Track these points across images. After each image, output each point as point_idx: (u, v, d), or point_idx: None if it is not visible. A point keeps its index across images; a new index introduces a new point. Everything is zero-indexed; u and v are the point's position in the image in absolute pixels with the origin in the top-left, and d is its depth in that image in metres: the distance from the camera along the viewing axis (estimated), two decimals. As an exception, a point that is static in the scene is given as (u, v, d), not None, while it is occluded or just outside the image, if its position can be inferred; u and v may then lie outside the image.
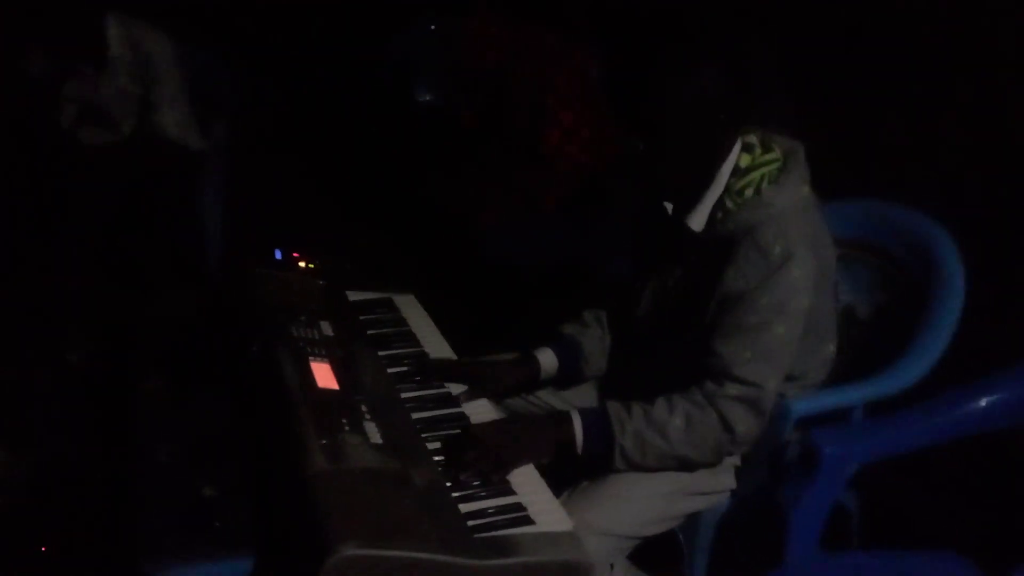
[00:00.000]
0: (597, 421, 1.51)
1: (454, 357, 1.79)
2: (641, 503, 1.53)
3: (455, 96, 3.12)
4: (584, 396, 1.84)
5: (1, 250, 2.74)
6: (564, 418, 1.53)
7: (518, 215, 2.86)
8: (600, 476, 1.54)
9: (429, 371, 1.70)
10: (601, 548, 1.46)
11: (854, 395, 1.67)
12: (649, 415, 1.49)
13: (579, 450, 1.51)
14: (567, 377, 1.80)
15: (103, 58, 2.72)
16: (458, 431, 1.52)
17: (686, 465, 1.54)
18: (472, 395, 1.66)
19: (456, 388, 1.68)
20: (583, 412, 1.53)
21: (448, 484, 1.39)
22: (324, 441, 1.36)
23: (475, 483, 1.40)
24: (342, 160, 3.81)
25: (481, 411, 1.64)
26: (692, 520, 1.64)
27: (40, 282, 2.71)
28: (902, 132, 2.33)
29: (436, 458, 1.46)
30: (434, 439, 1.51)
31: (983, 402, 1.60)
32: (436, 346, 1.83)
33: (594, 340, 1.81)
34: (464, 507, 1.35)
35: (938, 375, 1.68)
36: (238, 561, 1.36)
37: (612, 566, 1.53)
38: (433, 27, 3.62)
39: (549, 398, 1.83)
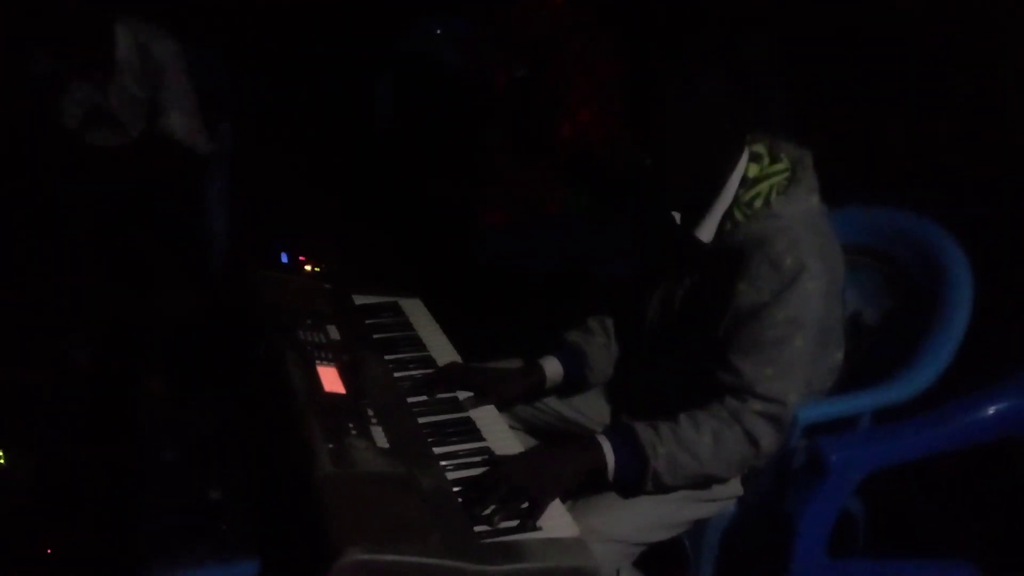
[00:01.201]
0: (627, 445, 1.47)
1: (460, 361, 1.78)
2: (648, 509, 1.52)
3: (491, 59, 3.07)
4: (591, 402, 1.84)
5: (7, 250, 2.74)
6: (593, 445, 1.47)
7: (521, 216, 2.86)
8: (606, 482, 1.53)
9: (435, 379, 1.69)
10: (607, 554, 1.46)
11: (862, 402, 1.66)
12: (678, 435, 1.46)
13: (610, 477, 1.47)
14: (572, 385, 1.80)
15: (111, 62, 2.73)
16: (484, 469, 1.44)
17: (709, 481, 1.52)
18: (478, 402, 1.65)
19: (463, 394, 1.68)
20: (611, 437, 1.48)
21: (456, 489, 1.38)
22: (331, 445, 1.36)
23: (500, 526, 1.33)
24: (348, 163, 3.81)
25: (486, 416, 1.63)
26: (698, 526, 1.63)
27: (45, 282, 2.71)
28: (907, 136, 2.33)
29: (443, 463, 1.45)
30: (444, 445, 1.50)
31: (991, 410, 1.59)
32: (442, 350, 1.82)
33: (599, 348, 1.81)
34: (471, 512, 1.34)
35: (946, 382, 1.68)
36: (243, 564, 1.35)
37: (618, 572, 1.52)
38: (439, 31, 3.63)
39: (557, 405, 1.82)
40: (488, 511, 1.33)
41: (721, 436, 1.46)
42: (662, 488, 1.49)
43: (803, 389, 1.49)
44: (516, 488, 1.36)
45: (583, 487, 1.50)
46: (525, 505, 1.35)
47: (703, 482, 1.51)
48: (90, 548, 1.83)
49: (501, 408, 1.70)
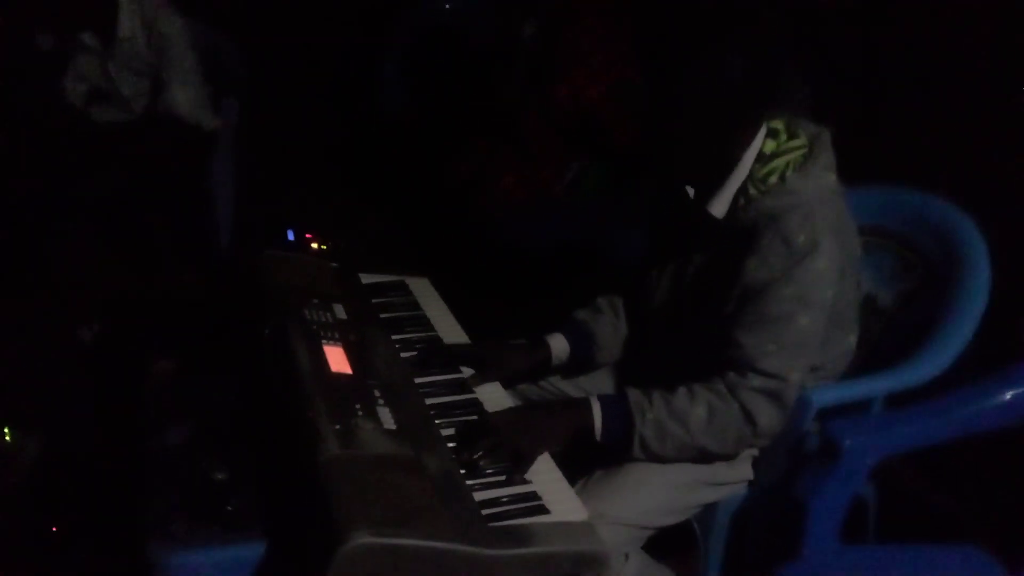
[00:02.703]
0: (616, 408, 1.49)
1: (468, 341, 1.76)
2: (657, 493, 1.51)
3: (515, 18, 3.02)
4: (598, 383, 1.82)
5: (12, 228, 2.72)
6: (583, 404, 1.51)
7: (532, 185, 2.82)
8: (616, 465, 1.52)
9: (440, 355, 1.68)
10: (616, 538, 1.44)
11: (875, 386, 1.64)
12: (670, 404, 1.47)
13: (597, 437, 1.49)
14: (579, 363, 1.78)
15: (115, 38, 2.70)
16: (473, 417, 1.50)
17: (705, 456, 1.51)
18: (482, 379, 1.64)
19: (467, 371, 1.66)
20: (602, 399, 1.51)
21: (462, 471, 1.37)
22: (337, 426, 1.35)
23: (488, 471, 1.37)
24: (356, 138, 3.78)
25: (493, 395, 1.62)
26: (708, 510, 1.62)
27: (51, 260, 2.70)
28: (926, 115, 2.29)
29: (450, 444, 1.44)
30: (448, 425, 1.49)
31: (1008, 395, 1.56)
32: (450, 330, 1.80)
33: (607, 326, 1.79)
34: (478, 495, 1.33)
35: (961, 366, 1.65)
36: (249, 546, 1.34)
37: (627, 556, 1.50)
38: (448, 5, 3.58)
39: (562, 384, 1.81)
40: (475, 457, 1.37)
41: (716, 410, 1.46)
42: (653, 456, 1.49)
43: (806, 368, 1.48)
44: (503, 438, 1.40)
45: (577, 453, 1.50)
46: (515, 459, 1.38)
47: (697, 456, 1.50)
48: (95, 527, 1.83)
49: (506, 385, 1.68)
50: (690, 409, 1.46)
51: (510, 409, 1.54)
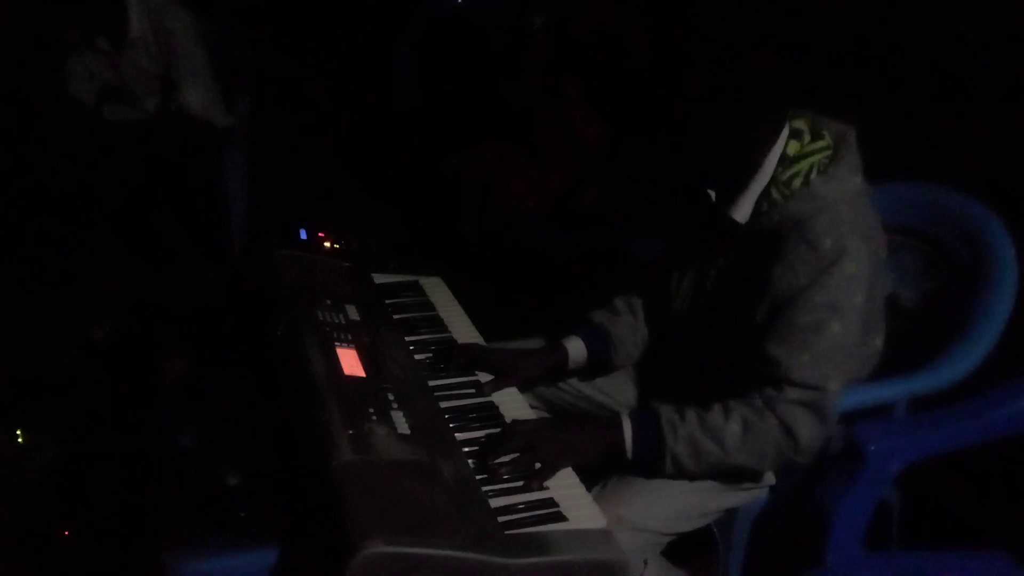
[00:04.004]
0: (648, 425, 1.43)
1: (482, 343, 1.74)
2: (677, 498, 1.47)
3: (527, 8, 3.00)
4: (616, 385, 1.79)
5: (26, 228, 2.72)
6: (614, 421, 1.45)
7: (549, 188, 2.79)
8: (626, 462, 1.48)
9: (455, 359, 1.65)
10: (635, 544, 1.41)
11: (899, 389, 1.61)
12: (704, 420, 1.41)
13: (628, 455, 1.43)
14: (596, 366, 1.75)
15: (125, 36, 2.69)
16: (492, 424, 1.46)
17: (742, 474, 1.46)
18: (499, 384, 1.61)
19: (485, 376, 1.63)
20: (633, 415, 1.45)
21: (480, 477, 1.35)
22: (350, 431, 1.32)
23: (505, 477, 1.35)
24: (369, 136, 3.76)
25: (509, 400, 1.59)
26: (728, 515, 1.59)
27: (63, 261, 2.70)
28: (950, 110, 2.24)
29: (465, 449, 1.41)
30: (463, 430, 1.46)
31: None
32: (464, 331, 1.78)
33: (625, 328, 1.75)
34: (494, 502, 1.31)
35: (987, 369, 1.61)
36: (261, 553, 1.32)
37: (645, 562, 1.48)
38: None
39: (581, 386, 1.78)
40: (497, 463, 1.34)
41: (752, 425, 1.40)
42: (685, 473, 1.43)
43: (844, 377, 1.42)
44: (530, 447, 1.37)
45: (608, 469, 1.46)
46: (537, 467, 1.35)
47: (734, 473, 1.45)
48: (107, 531, 1.82)
49: (522, 389, 1.66)
50: (725, 425, 1.40)
51: (540, 419, 1.50)
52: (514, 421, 1.48)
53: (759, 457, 1.41)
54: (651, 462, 1.43)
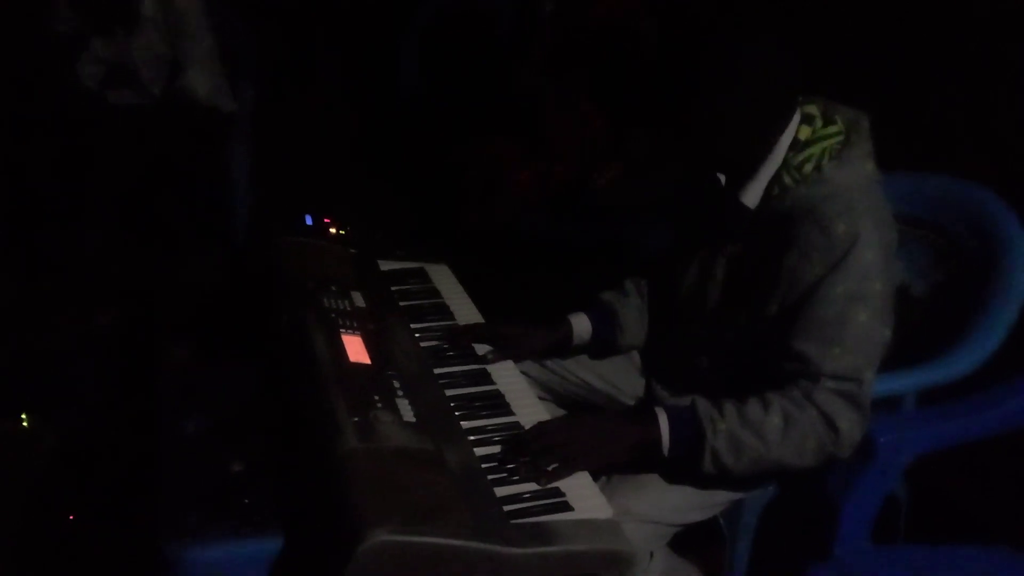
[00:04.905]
0: (685, 419, 1.37)
1: (486, 325, 1.73)
2: (684, 489, 1.46)
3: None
4: (623, 374, 1.78)
5: (29, 213, 2.72)
6: (649, 417, 1.38)
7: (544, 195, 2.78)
8: (662, 460, 1.43)
9: (457, 333, 1.64)
10: (641, 535, 1.41)
11: (909, 381, 1.59)
12: (743, 414, 1.36)
13: (665, 451, 1.38)
14: (600, 345, 1.73)
15: (134, 19, 2.68)
16: (505, 419, 1.42)
17: (782, 471, 1.40)
18: (498, 356, 1.60)
19: (484, 348, 1.63)
20: (669, 409, 1.39)
21: (486, 465, 1.33)
22: (356, 419, 1.31)
23: (515, 475, 1.31)
24: (374, 121, 3.75)
25: (516, 388, 1.57)
26: (736, 507, 1.58)
27: (67, 246, 2.69)
28: (960, 99, 2.22)
29: (471, 438, 1.40)
30: (473, 419, 1.45)
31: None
32: (470, 319, 1.77)
33: (632, 310, 1.74)
34: (500, 491, 1.30)
35: (998, 361, 1.60)
36: (265, 541, 1.31)
37: (652, 553, 1.47)
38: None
39: (588, 376, 1.76)
40: (519, 461, 1.31)
41: (792, 417, 1.35)
42: (724, 471, 1.38)
43: (875, 366, 1.38)
44: (557, 444, 1.33)
45: (638, 470, 1.43)
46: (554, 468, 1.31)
47: (774, 470, 1.40)
48: (112, 515, 1.81)
49: (520, 362, 1.64)
50: (764, 418, 1.35)
51: (573, 416, 1.45)
52: (550, 420, 1.43)
53: (800, 451, 1.36)
54: (688, 459, 1.38)
